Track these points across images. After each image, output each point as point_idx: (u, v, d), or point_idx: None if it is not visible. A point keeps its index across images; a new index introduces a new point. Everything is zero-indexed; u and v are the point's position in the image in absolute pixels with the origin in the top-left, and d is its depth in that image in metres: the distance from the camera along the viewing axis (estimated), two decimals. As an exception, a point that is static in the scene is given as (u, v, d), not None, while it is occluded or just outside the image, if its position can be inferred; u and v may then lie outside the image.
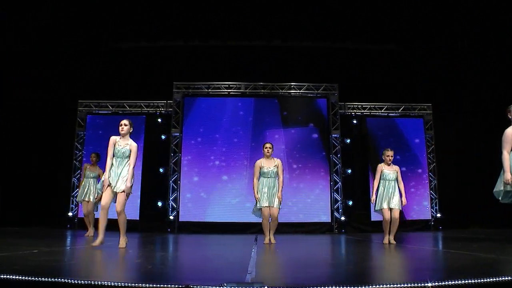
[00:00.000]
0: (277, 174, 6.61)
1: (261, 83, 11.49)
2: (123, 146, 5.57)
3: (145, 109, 11.61)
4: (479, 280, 2.40)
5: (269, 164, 6.60)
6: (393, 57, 11.75)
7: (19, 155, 10.92)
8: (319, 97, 11.49)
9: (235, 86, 11.53)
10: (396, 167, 6.58)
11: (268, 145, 6.71)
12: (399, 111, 11.66)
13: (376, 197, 6.47)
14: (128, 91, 11.64)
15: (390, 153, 6.58)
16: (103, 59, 11.50)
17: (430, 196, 11.13)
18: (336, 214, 10.76)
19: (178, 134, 11.14)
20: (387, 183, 6.41)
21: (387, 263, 4.16)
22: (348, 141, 11.41)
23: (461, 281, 2.38)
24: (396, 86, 11.60)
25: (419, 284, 2.31)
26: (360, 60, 11.70)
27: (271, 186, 6.53)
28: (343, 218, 10.72)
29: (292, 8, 10.29)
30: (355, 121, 11.52)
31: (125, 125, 5.64)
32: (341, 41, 11.39)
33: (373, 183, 6.63)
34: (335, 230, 10.64)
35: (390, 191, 6.36)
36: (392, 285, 2.31)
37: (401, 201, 6.33)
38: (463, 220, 10.73)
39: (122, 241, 5.46)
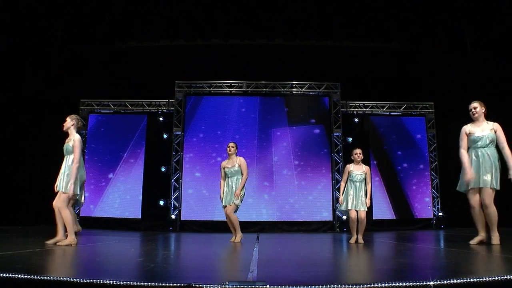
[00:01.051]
0: (239, 173, 6.81)
1: (263, 81, 11.50)
2: (66, 142, 5.47)
3: (147, 108, 11.63)
4: (481, 279, 2.41)
5: (231, 164, 6.84)
6: (395, 56, 11.78)
7: (22, 154, 10.92)
8: (321, 96, 11.49)
9: (237, 85, 11.53)
10: (366, 168, 6.47)
11: (230, 144, 6.93)
12: (401, 109, 11.67)
13: (345, 198, 6.43)
14: (130, 90, 11.67)
15: (357, 150, 6.50)
16: (104, 58, 11.53)
17: (432, 194, 11.15)
18: (337, 213, 10.77)
19: (180, 132, 11.15)
20: (356, 184, 6.36)
21: (389, 261, 4.17)
22: (350, 140, 11.43)
23: (463, 279, 2.38)
24: (398, 84, 11.63)
25: (421, 283, 2.31)
26: (362, 59, 11.73)
27: (231, 187, 6.80)
28: (344, 217, 10.72)
29: (293, 7, 10.30)
30: (356, 120, 11.54)
31: (66, 121, 5.53)
32: (343, 39, 11.40)
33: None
34: (337, 229, 10.66)
35: (358, 193, 6.35)
36: (394, 284, 2.32)
37: (365, 202, 6.31)
38: (464, 219, 10.71)
39: (56, 238, 5.32)
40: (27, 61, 10.82)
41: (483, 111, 5.46)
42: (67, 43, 11.13)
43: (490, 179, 5.16)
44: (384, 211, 10.98)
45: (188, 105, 11.33)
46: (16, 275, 2.45)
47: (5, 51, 10.10)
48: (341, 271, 3.54)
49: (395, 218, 10.95)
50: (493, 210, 5.17)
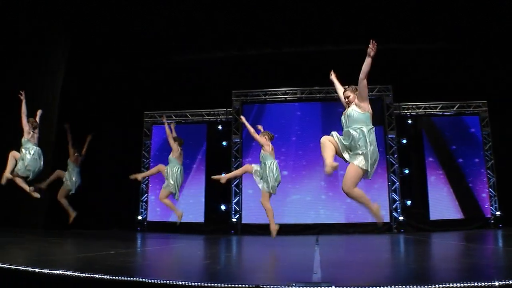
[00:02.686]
0: None
1: (316, 87, 11.58)
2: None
3: (206, 117, 12.09)
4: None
5: None
6: (446, 55, 11.37)
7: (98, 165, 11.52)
8: (374, 99, 11.42)
9: (291, 91, 11.74)
10: None
11: None
12: (454, 109, 11.45)
13: None
14: (190, 101, 12.11)
15: None
16: (165, 72, 12.04)
17: (489, 194, 10.70)
18: (394, 214, 10.63)
19: (238, 140, 11.50)
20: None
21: (450, 262, 4.10)
22: (405, 141, 11.25)
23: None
24: (450, 84, 11.26)
25: (486, 283, 2.28)
26: (412, 60, 11.43)
27: None
28: (401, 217, 10.56)
29: (342, 13, 10.26)
30: (410, 121, 11.38)
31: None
32: (393, 42, 11.16)
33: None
34: (394, 230, 10.54)
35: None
36: (459, 284, 2.29)
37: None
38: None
39: None
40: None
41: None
42: (131, 58, 11.78)
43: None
44: (444, 211, 10.68)
45: (246, 113, 11.63)
46: (95, 275, 2.68)
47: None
48: (404, 272, 3.52)
49: (459, 217, 10.63)
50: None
